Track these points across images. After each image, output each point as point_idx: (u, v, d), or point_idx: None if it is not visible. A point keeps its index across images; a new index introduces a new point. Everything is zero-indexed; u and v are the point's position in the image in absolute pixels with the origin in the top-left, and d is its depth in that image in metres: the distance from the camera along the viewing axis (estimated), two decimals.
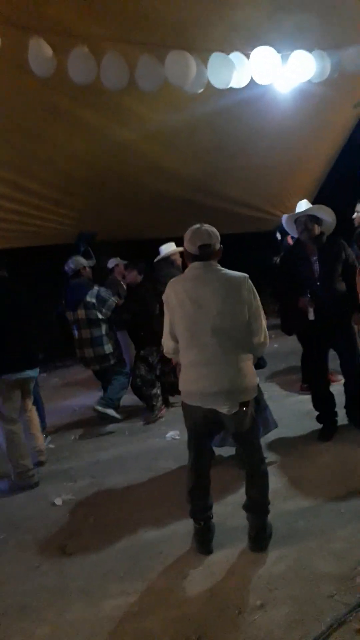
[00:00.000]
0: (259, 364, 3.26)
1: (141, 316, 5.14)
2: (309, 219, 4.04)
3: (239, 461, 3.22)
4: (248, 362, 2.73)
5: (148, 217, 7.78)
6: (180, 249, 5.28)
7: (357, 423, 4.25)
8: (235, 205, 8.00)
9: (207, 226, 2.74)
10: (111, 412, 5.17)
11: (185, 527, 3.08)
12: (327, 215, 4.11)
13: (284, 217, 4.29)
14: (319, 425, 4.30)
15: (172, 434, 4.69)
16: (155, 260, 5.70)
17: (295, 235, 4.29)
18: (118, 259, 6.90)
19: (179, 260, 5.41)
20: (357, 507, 3.05)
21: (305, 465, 3.74)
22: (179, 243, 5.02)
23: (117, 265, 6.80)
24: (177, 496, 3.45)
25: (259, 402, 3.63)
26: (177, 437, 4.57)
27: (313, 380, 4.39)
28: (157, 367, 5.23)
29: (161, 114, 5.80)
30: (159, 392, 5.27)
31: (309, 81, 4.81)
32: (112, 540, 3.06)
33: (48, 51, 3.74)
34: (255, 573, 2.57)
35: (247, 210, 8.22)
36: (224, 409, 2.64)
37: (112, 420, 5.20)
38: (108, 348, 5.15)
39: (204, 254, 2.71)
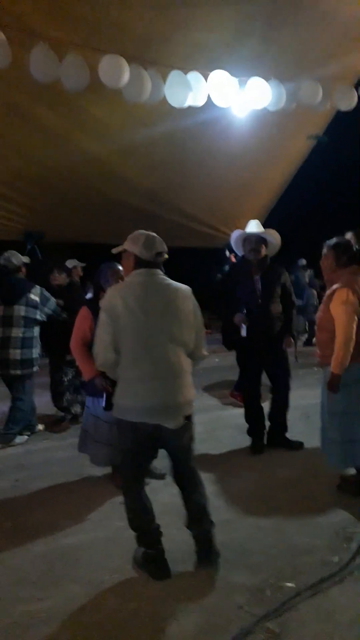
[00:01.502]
0: None
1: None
2: (259, 239, 4.22)
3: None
4: (190, 374, 2.68)
5: (100, 222, 7.78)
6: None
7: (286, 444, 4.36)
8: (187, 219, 8.16)
9: (154, 234, 2.69)
10: (19, 439, 4.85)
11: (106, 534, 3.08)
12: (275, 239, 4.32)
13: (235, 233, 4.43)
14: (249, 440, 4.41)
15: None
16: None
17: (239, 253, 4.45)
18: (76, 260, 6.78)
19: None
20: (275, 522, 3.15)
21: (230, 479, 3.81)
22: None
23: (75, 267, 6.69)
24: (102, 503, 3.46)
25: None
26: None
27: (246, 395, 4.53)
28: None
29: (122, 123, 5.87)
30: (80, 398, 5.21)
31: (265, 109, 5.00)
32: (29, 545, 2.99)
33: (3, 42, 3.69)
34: (170, 582, 2.59)
35: (198, 225, 8.39)
36: (170, 424, 2.53)
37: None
38: (36, 352, 4.78)
39: (158, 261, 2.63)
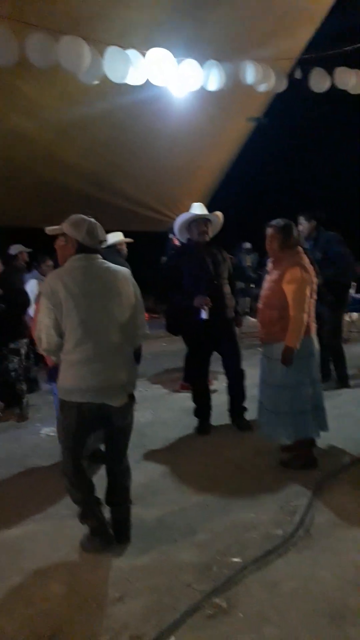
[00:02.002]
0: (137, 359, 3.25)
1: (18, 306, 4.88)
2: (207, 221, 4.21)
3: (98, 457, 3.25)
4: (132, 353, 2.79)
5: (38, 206, 7.52)
6: (129, 239, 5.12)
7: (240, 425, 4.40)
8: (129, 203, 8.04)
9: (94, 220, 2.72)
10: None
11: (51, 524, 3.03)
12: (219, 220, 4.34)
13: (181, 217, 4.37)
14: (196, 423, 4.45)
15: (47, 430, 4.57)
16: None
17: (183, 238, 4.42)
18: (21, 245, 6.52)
19: (124, 251, 5.22)
20: (221, 500, 3.19)
21: (178, 460, 3.83)
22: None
23: (20, 252, 6.44)
24: (48, 493, 3.38)
25: None
26: (52, 434, 4.45)
27: (195, 377, 4.50)
28: (30, 355, 5.06)
29: (56, 102, 5.67)
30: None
31: (203, 88, 4.96)
32: None
33: None
34: (118, 566, 2.58)
35: (142, 209, 8.30)
36: (115, 402, 2.63)
37: None
38: None
39: (99, 248, 2.71)
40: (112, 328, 2.61)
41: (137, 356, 3.18)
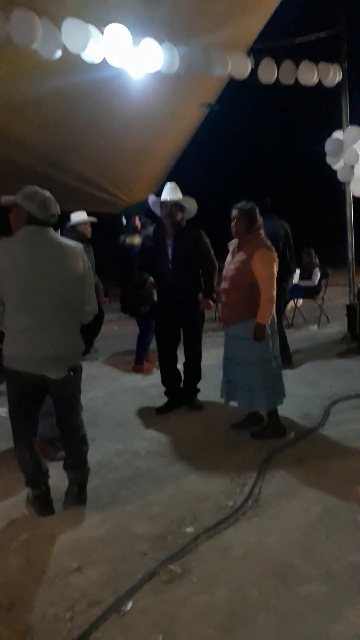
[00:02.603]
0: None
1: None
2: (175, 205, 4.22)
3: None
4: (77, 329, 2.84)
5: None
6: (92, 219, 5.04)
7: (192, 405, 4.50)
8: (82, 184, 7.91)
9: (49, 194, 2.75)
10: None
11: (9, 501, 3.05)
12: (191, 206, 4.34)
13: (152, 198, 4.39)
14: (151, 402, 4.54)
15: (1, 410, 4.53)
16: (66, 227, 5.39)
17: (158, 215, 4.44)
18: None
19: (86, 231, 5.09)
20: (174, 474, 3.32)
21: (133, 437, 3.93)
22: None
23: None
24: (3, 471, 3.38)
25: None
26: (4, 415, 4.42)
27: (162, 358, 4.54)
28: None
29: (8, 78, 5.48)
30: None
31: (159, 72, 4.96)
32: None
33: None
34: (75, 538, 2.65)
35: (94, 190, 8.18)
36: (53, 374, 2.70)
37: None
38: None
39: (51, 222, 2.75)
40: (53, 301, 2.67)
41: (94, 333, 3.16)
